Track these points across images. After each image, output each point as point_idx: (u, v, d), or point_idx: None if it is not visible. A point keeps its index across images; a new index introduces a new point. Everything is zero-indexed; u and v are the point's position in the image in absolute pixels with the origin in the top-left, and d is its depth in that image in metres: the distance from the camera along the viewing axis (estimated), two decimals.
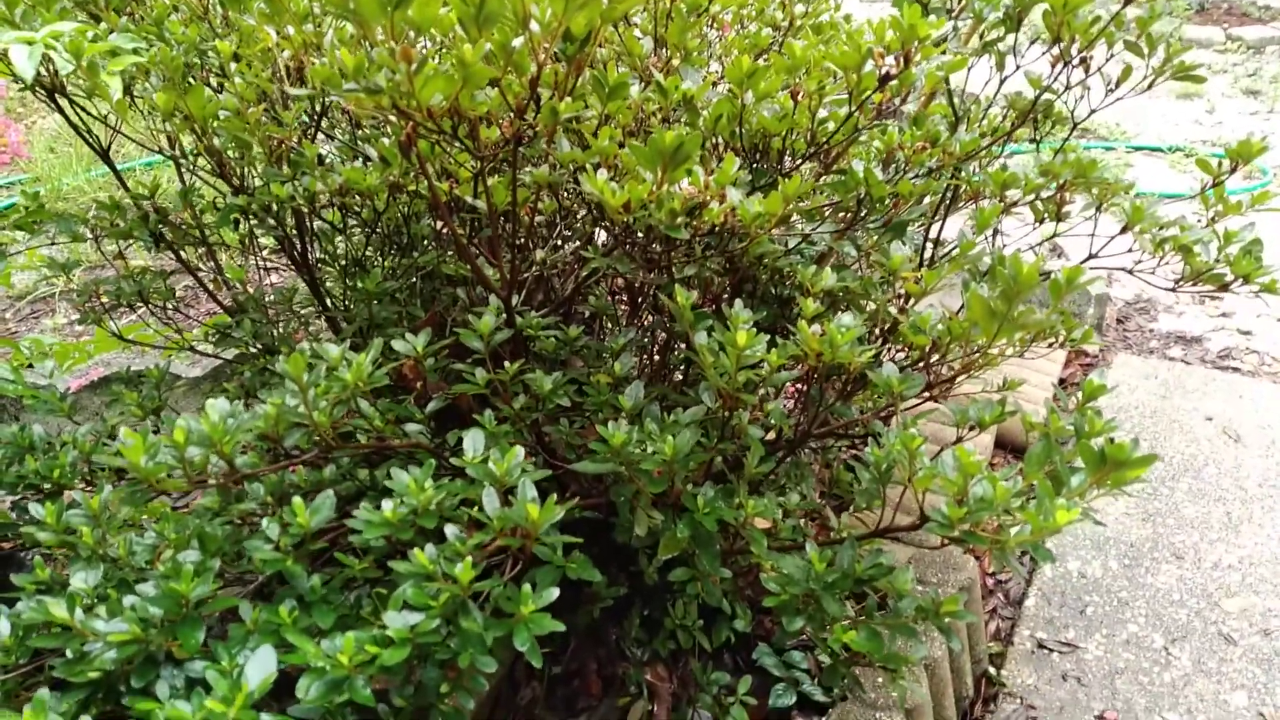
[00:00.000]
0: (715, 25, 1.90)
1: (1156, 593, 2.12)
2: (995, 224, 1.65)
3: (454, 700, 0.92)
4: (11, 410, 1.97)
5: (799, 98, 1.29)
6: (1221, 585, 2.13)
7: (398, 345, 1.16)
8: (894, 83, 1.20)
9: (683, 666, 1.72)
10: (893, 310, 1.35)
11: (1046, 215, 1.51)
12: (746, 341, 1.10)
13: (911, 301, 1.37)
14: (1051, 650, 1.98)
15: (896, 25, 1.11)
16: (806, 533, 1.61)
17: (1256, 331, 3.28)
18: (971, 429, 1.30)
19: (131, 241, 1.64)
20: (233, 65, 1.40)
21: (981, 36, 1.53)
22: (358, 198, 1.39)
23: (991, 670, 1.95)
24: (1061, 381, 2.94)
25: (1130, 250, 1.47)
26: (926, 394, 1.43)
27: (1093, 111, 1.48)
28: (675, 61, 1.53)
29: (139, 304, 1.70)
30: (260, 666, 0.73)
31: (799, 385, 1.85)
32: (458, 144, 1.16)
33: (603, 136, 1.16)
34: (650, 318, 1.81)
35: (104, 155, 1.67)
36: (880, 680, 1.64)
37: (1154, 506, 2.38)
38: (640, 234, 1.37)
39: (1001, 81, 1.59)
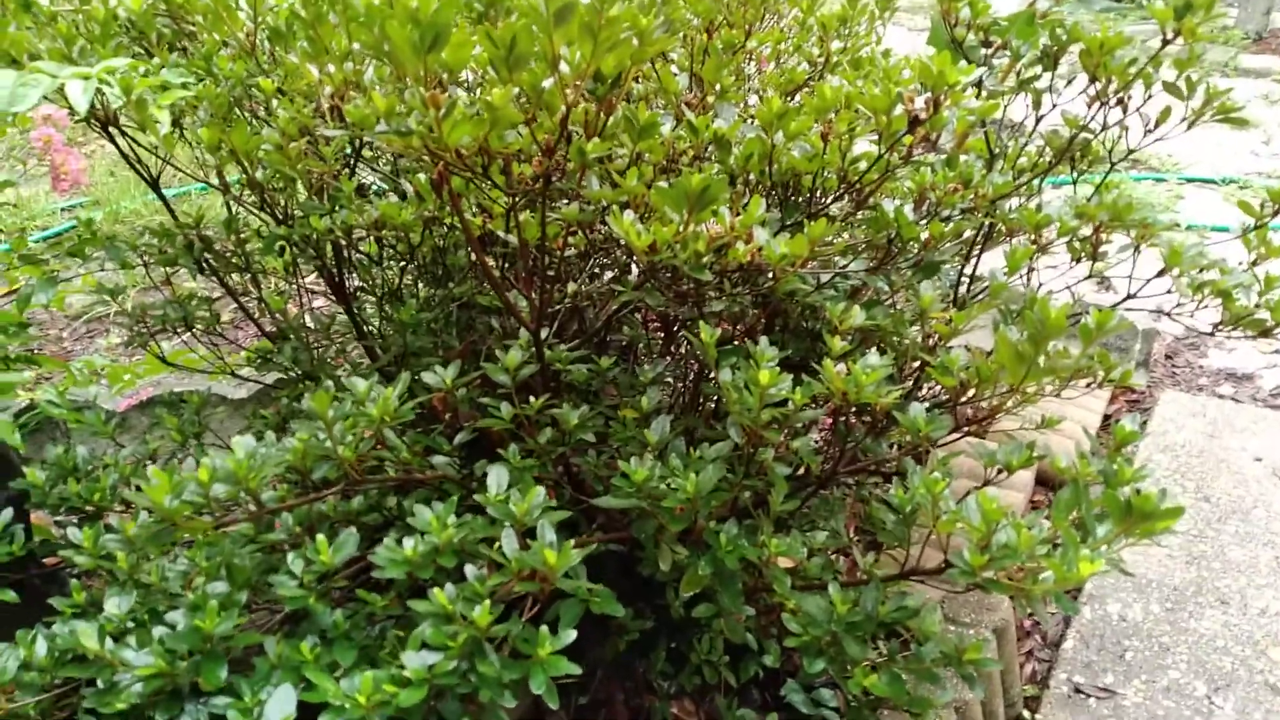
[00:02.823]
0: (754, 60, 1.92)
1: (1200, 639, 2.06)
2: (1030, 264, 1.64)
3: None
4: (62, 429, 2.03)
5: (829, 138, 1.30)
6: (1269, 633, 2.07)
7: (428, 378, 1.18)
8: (925, 125, 1.20)
9: (709, 701, 1.72)
10: (921, 350, 1.34)
11: (1083, 254, 1.49)
12: (769, 381, 1.10)
13: (940, 340, 1.36)
14: (1089, 695, 1.94)
15: (925, 71, 1.11)
16: (838, 570, 1.60)
17: None
18: (1000, 472, 1.29)
19: (179, 267, 1.69)
20: (275, 102, 1.44)
21: (1018, 74, 1.52)
22: (394, 230, 1.43)
23: (1026, 714, 1.92)
24: (1106, 418, 2.89)
25: (1169, 291, 1.44)
26: (964, 431, 1.41)
27: (1131, 152, 1.47)
28: (710, 99, 1.54)
29: (184, 329, 1.75)
30: (280, 706, 0.74)
31: (831, 420, 1.85)
32: (489, 181, 1.18)
33: (630, 177, 1.18)
34: (684, 348, 1.81)
35: (154, 184, 1.72)
36: None
37: (1199, 549, 2.33)
38: (668, 271, 1.38)
39: (1038, 120, 1.58)
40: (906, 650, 1.30)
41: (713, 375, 1.70)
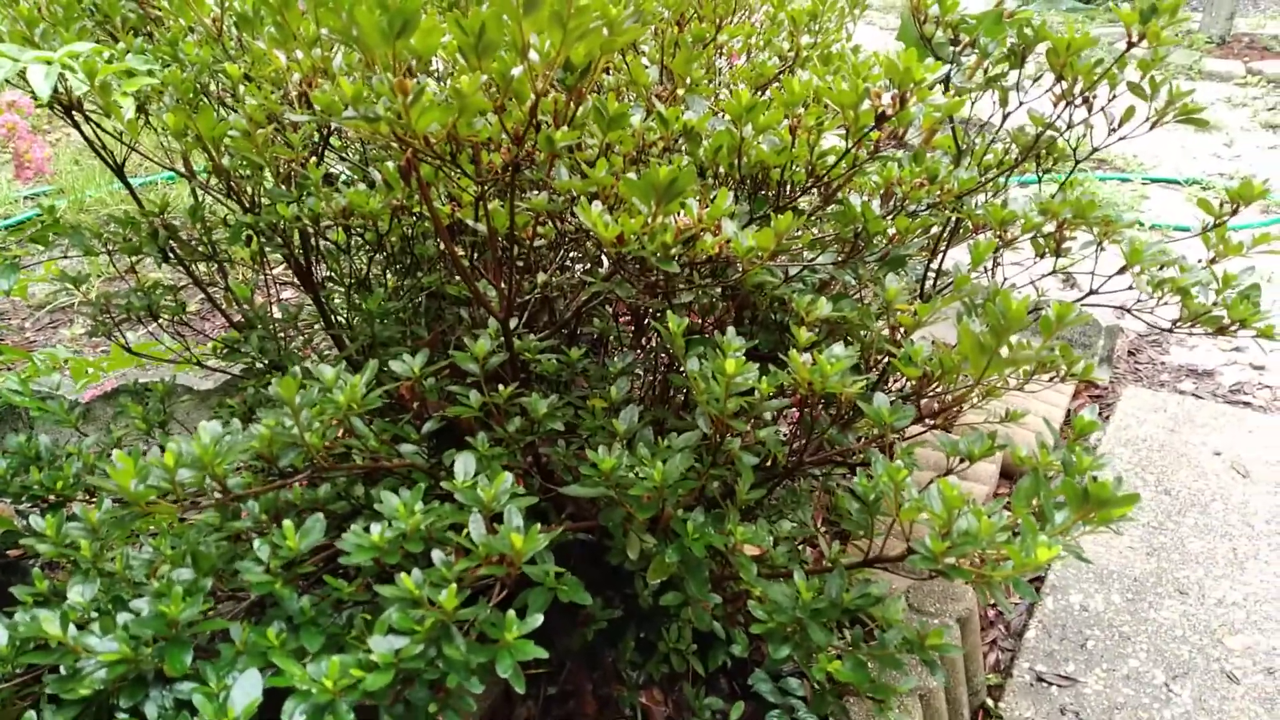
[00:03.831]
0: (725, 54, 1.92)
1: (1159, 628, 2.10)
2: (995, 258, 1.66)
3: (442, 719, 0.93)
4: (24, 418, 2.00)
5: (797, 132, 1.31)
6: (1225, 622, 2.12)
7: (395, 366, 1.18)
8: (892, 120, 1.21)
9: (678, 690, 1.73)
10: (887, 343, 1.36)
11: (1047, 250, 1.52)
12: (735, 370, 1.11)
13: (905, 332, 1.38)
14: (1051, 684, 1.97)
15: (892, 68, 1.12)
16: (805, 559, 1.61)
17: (1270, 366, 3.26)
18: (962, 461, 1.31)
19: (143, 256, 1.67)
20: (242, 88, 1.43)
21: (985, 71, 1.54)
22: (362, 219, 1.42)
23: (989, 702, 1.95)
24: (1069, 413, 2.93)
25: (1131, 288, 1.47)
26: (929, 423, 1.43)
27: (1094, 150, 1.49)
28: (680, 91, 1.55)
29: (149, 318, 1.73)
30: (246, 690, 0.74)
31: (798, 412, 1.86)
32: (458, 169, 1.18)
33: (600, 168, 1.18)
34: (655, 340, 1.82)
35: (118, 171, 1.70)
36: (871, 710, 1.63)
37: (1159, 541, 2.37)
38: (637, 263, 1.39)
39: (1005, 116, 1.60)
40: (871, 638, 1.31)
41: (682, 368, 1.71)
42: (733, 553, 1.23)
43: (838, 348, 1.20)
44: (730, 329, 1.24)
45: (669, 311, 1.25)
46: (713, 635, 1.63)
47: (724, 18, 1.78)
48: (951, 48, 1.65)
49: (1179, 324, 1.37)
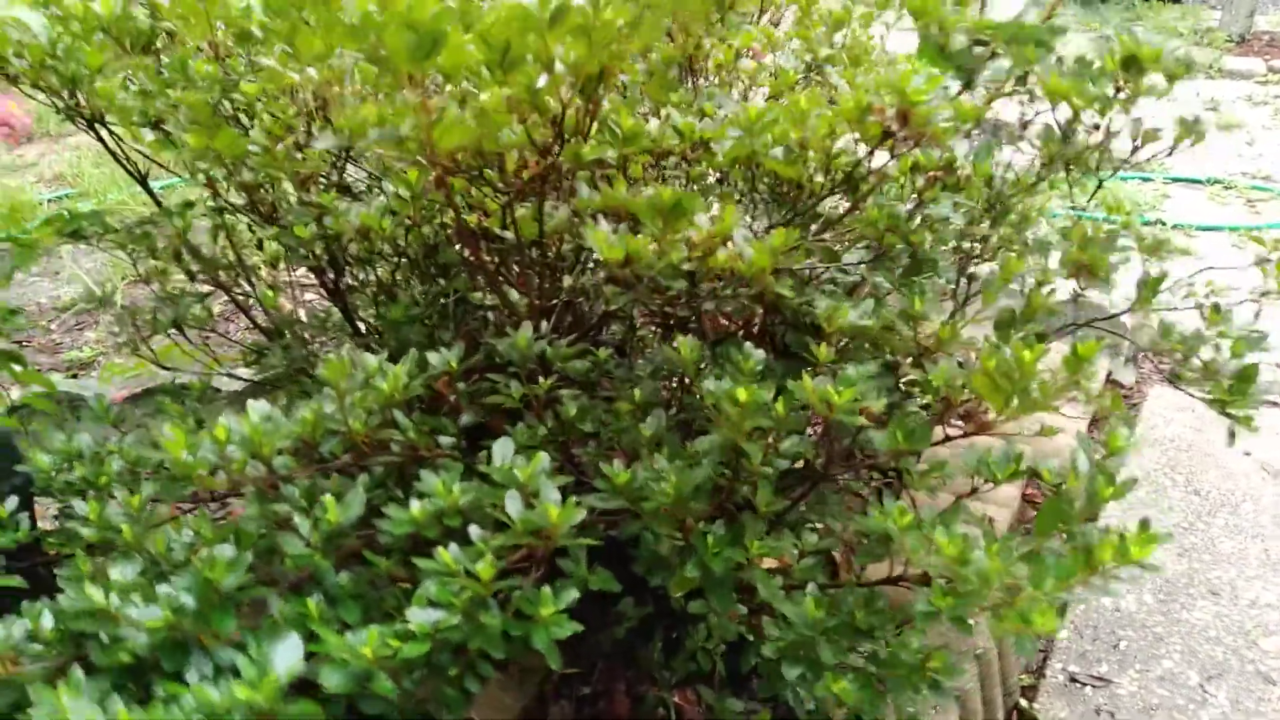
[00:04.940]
0: (751, 56, 1.94)
1: (1192, 629, 2.08)
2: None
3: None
4: (57, 420, 2.02)
5: (806, 146, 1.32)
6: (1259, 623, 2.09)
7: (432, 358, 1.20)
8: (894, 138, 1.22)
9: (719, 689, 1.72)
10: (910, 367, 1.35)
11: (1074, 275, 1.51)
12: (748, 399, 1.09)
13: (927, 353, 1.36)
14: (1084, 684, 1.96)
15: (889, 86, 1.13)
16: (820, 574, 1.58)
17: None
18: (986, 482, 1.31)
19: (168, 273, 1.71)
20: (259, 105, 1.46)
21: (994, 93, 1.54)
22: (380, 233, 1.45)
23: (1023, 703, 1.93)
24: (1094, 420, 2.91)
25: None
26: (953, 437, 1.42)
27: (1118, 168, 1.50)
28: (663, 111, 1.55)
29: (176, 330, 1.76)
30: (287, 654, 0.75)
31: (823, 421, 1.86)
32: (483, 182, 1.21)
33: (619, 186, 1.19)
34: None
35: (142, 181, 1.75)
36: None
37: (1190, 541, 2.35)
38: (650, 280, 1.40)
39: (1024, 125, 1.61)
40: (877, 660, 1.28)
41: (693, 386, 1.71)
42: (749, 568, 1.22)
43: (851, 369, 1.18)
44: (747, 345, 1.24)
45: (679, 336, 1.25)
46: (742, 638, 1.63)
47: (701, 37, 1.77)
48: (976, 51, 1.64)
49: (1178, 382, 1.38)
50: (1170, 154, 1.46)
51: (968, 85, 1.58)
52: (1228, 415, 1.34)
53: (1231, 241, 4.19)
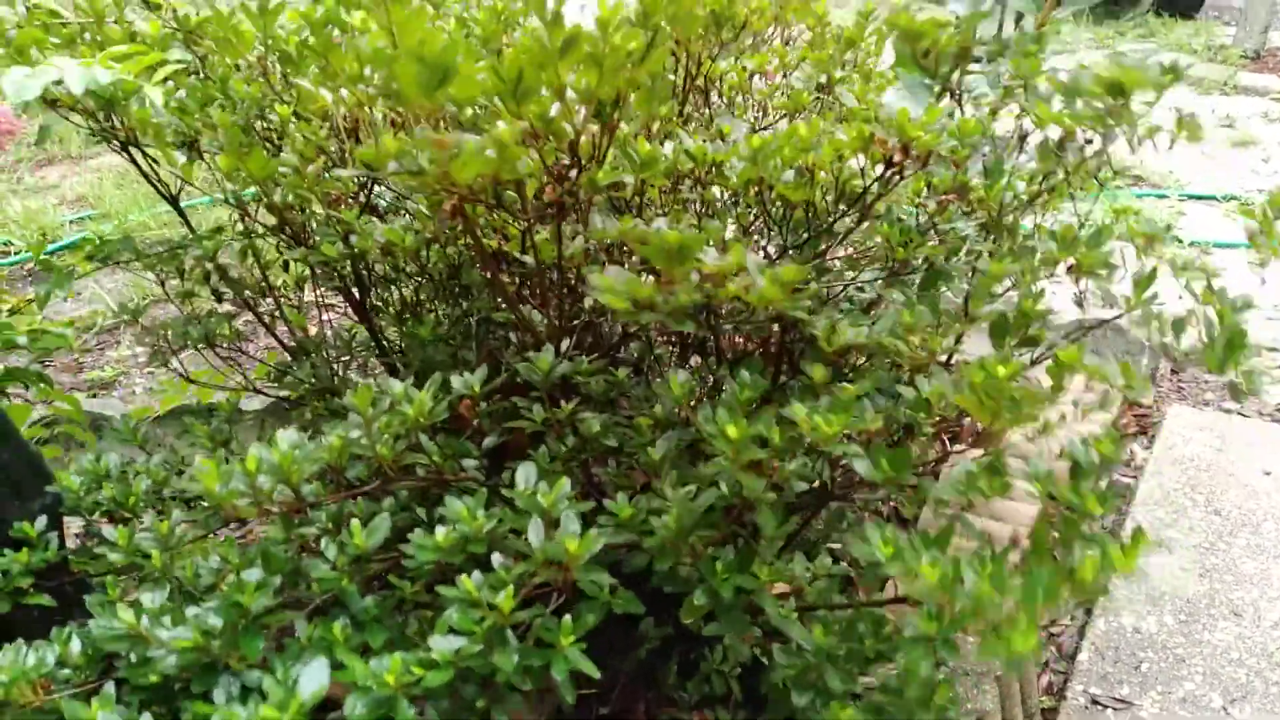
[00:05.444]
0: (764, 77, 1.96)
1: (1214, 650, 2.07)
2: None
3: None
4: (79, 441, 2.06)
5: (812, 171, 1.34)
6: None
7: (455, 382, 1.21)
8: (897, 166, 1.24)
9: (734, 711, 1.72)
10: (905, 383, 1.36)
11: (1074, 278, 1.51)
12: (738, 435, 1.08)
13: (916, 370, 1.36)
14: (1106, 707, 1.95)
15: (889, 123, 1.15)
16: (850, 596, 1.57)
17: None
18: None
19: (196, 294, 1.74)
20: (292, 125, 1.49)
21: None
22: (405, 251, 1.47)
23: None
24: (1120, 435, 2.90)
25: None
26: (954, 450, 1.42)
27: (1117, 174, 1.50)
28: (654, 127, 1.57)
29: (206, 347, 1.79)
30: (313, 677, 0.77)
31: None
32: (502, 208, 1.22)
33: (625, 222, 1.20)
34: (697, 359, 1.84)
35: (173, 202, 1.78)
36: None
37: (1211, 562, 2.33)
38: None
39: (1022, 139, 1.61)
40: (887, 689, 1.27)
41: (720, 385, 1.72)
42: (758, 594, 1.22)
43: (847, 389, 1.17)
44: (743, 373, 1.23)
45: (670, 374, 1.26)
46: (758, 660, 1.63)
47: (702, 54, 1.79)
48: (954, 65, 1.64)
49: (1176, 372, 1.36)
50: (1170, 148, 1.45)
51: (944, 93, 1.59)
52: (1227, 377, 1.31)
53: (1248, 259, 4.16)
